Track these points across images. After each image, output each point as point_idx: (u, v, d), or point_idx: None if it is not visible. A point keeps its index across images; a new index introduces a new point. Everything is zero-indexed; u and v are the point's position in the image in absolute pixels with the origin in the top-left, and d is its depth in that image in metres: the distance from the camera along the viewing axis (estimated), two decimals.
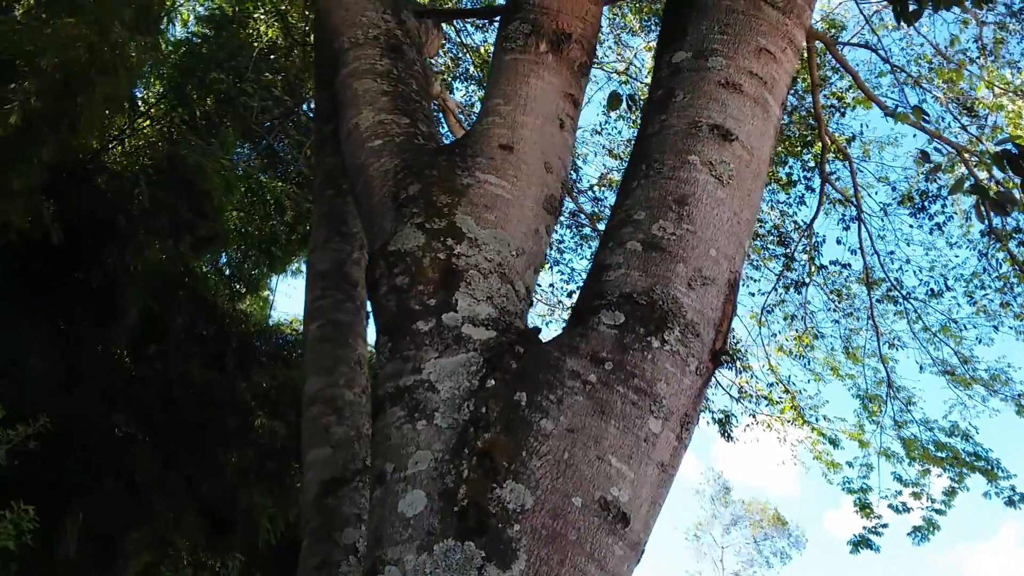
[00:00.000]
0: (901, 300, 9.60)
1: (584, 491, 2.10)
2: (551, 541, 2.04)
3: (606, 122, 10.75)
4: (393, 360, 2.36)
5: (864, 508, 9.87)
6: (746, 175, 2.52)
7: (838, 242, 9.86)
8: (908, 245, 10.04)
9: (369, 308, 3.16)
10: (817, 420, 10.45)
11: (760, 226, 9.79)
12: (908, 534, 9.67)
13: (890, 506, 9.78)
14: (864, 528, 9.79)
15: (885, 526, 9.78)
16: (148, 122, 13.35)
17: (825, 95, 8.90)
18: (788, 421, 10.58)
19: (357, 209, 2.96)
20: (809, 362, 10.43)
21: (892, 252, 9.71)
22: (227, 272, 15.29)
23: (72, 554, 11.59)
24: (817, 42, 7.11)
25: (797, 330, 10.26)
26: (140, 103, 13.64)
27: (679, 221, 2.40)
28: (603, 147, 10.56)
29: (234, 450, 13.04)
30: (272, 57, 10.96)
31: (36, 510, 11.21)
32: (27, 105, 8.20)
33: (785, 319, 10.36)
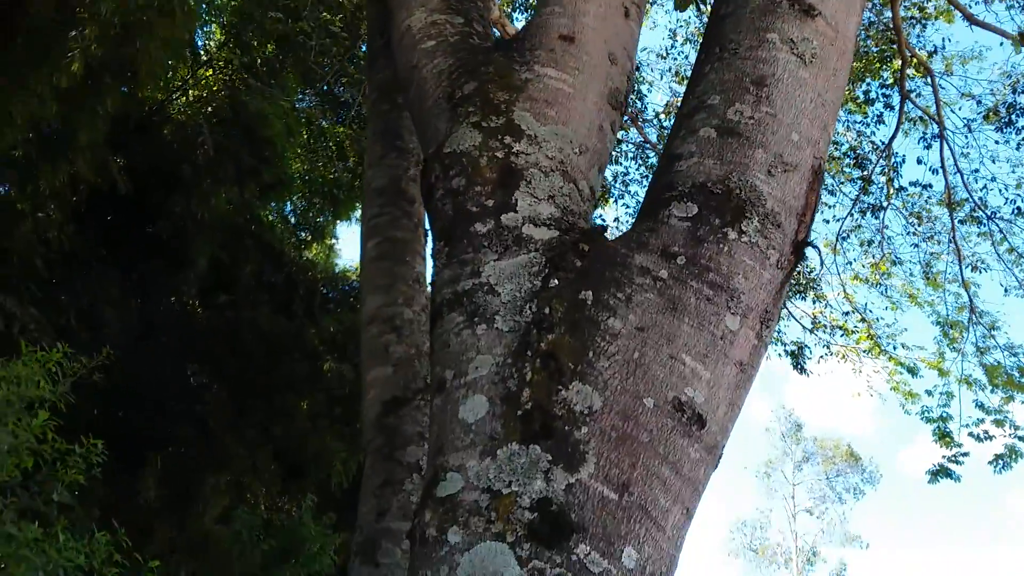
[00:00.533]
0: (985, 220, 9.12)
1: (656, 392, 1.95)
2: (621, 443, 1.90)
3: (672, 46, 10.35)
4: (450, 265, 2.23)
5: (944, 437, 9.53)
6: (830, 53, 2.29)
7: (919, 162, 9.40)
8: (993, 162, 9.54)
9: (427, 224, 3.03)
10: (895, 349, 10.07)
11: (835, 147, 9.38)
12: (989, 463, 9.31)
13: (971, 434, 9.43)
14: (944, 457, 9.47)
15: (966, 454, 9.44)
16: (210, 72, 13.37)
17: (905, 6, 8.40)
18: (864, 351, 10.22)
19: (411, 114, 2.82)
20: (886, 290, 10.03)
21: (976, 170, 9.21)
22: (293, 220, 15.38)
23: (152, 499, 11.94)
24: None
25: (874, 256, 9.85)
26: (201, 52, 13.66)
27: (757, 104, 2.19)
28: (670, 71, 10.16)
29: (304, 395, 13.22)
30: None
31: (117, 457, 11.54)
32: (88, 52, 8.22)
33: (861, 245, 9.96)
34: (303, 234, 15.58)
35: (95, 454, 3.96)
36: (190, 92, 13.53)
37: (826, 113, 2.25)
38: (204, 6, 10.90)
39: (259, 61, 12.32)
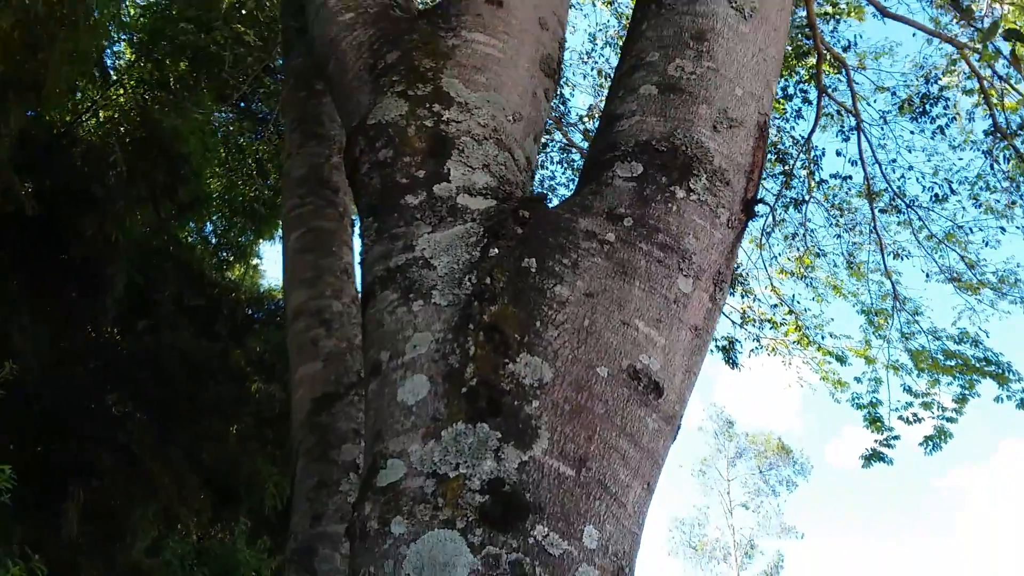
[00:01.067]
0: (904, 209, 9.34)
1: (610, 360, 1.83)
2: (576, 416, 1.77)
3: (593, 49, 10.35)
4: (380, 241, 2.07)
5: (874, 422, 9.69)
6: (770, 8, 2.22)
7: (838, 154, 9.57)
8: (910, 152, 9.73)
9: (355, 213, 2.86)
10: (823, 339, 10.22)
11: None
12: (920, 444, 9.50)
13: (900, 418, 9.60)
14: (876, 442, 9.63)
15: (896, 438, 9.61)
16: (120, 91, 12.94)
17: (819, 3, 8.56)
18: (793, 343, 10.36)
19: (331, 92, 2.66)
20: (812, 282, 10.19)
21: (894, 160, 9.43)
22: (213, 241, 14.95)
23: (76, 534, 11.39)
24: None
25: (798, 249, 10.00)
26: (111, 71, 13.21)
27: (698, 59, 2.10)
28: (592, 71, 10.14)
29: (232, 418, 12.82)
30: (242, 9, 10.54)
31: (37, 491, 10.97)
32: None
33: (785, 240, 10.10)
34: (225, 254, 15.15)
35: (3, 480, 3.64)
36: (100, 112, 13.06)
37: (768, 69, 2.17)
38: (111, 24, 10.49)
39: (172, 78, 11.94)
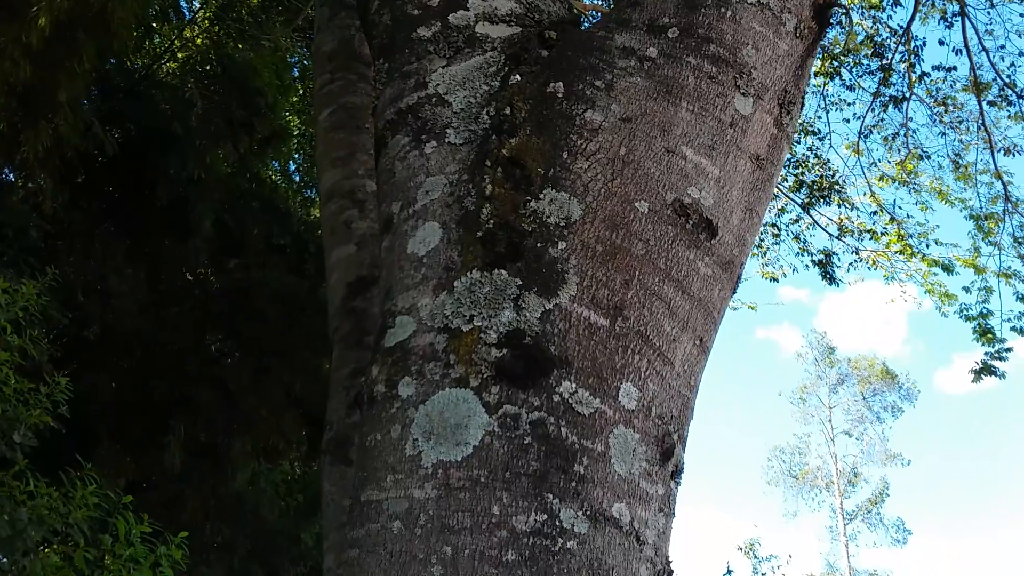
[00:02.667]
0: (1016, 100, 8.50)
1: (651, 193, 1.54)
2: (610, 258, 1.49)
3: None
4: (392, 82, 1.81)
5: (985, 334, 9.02)
6: None
7: (940, 43, 8.74)
8: (1020, 36, 8.81)
9: None
10: (928, 247, 9.51)
11: (851, 38, 8.78)
12: None
13: (1013, 328, 8.91)
14: (986, 354, 8.98)
15: (1009, 350, 8.93)
16: (196, 30, 13.02)
17: None
18: (895, 254, 9.68)
19: None
20: (914, 188, 9.46)
21: (1002, 47, 8.56)
22: (297, 179, 15.05)
23: (179, 466, 11.78)
24: None
25: (899, 152, 9.27)
26: (186, 12, 13.30)
27: None
28: None
29: (324, 353, 12.99)
30: None
31: (142, 428, 11.35)
32: (54, 5, 7.82)
33: (885, 142, 9.37)
34: (309, 193, 15.26)
35: (60, 391, 3.62)
36: (178, 54, 13.18)
37: None
38: None
39: (244, 11, 11.90)
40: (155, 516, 4.10)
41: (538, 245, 1.49)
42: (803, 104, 1.74)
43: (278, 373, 12.49)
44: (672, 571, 1.48)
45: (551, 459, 1.36)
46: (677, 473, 1.53)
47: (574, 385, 1.41)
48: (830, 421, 33.22)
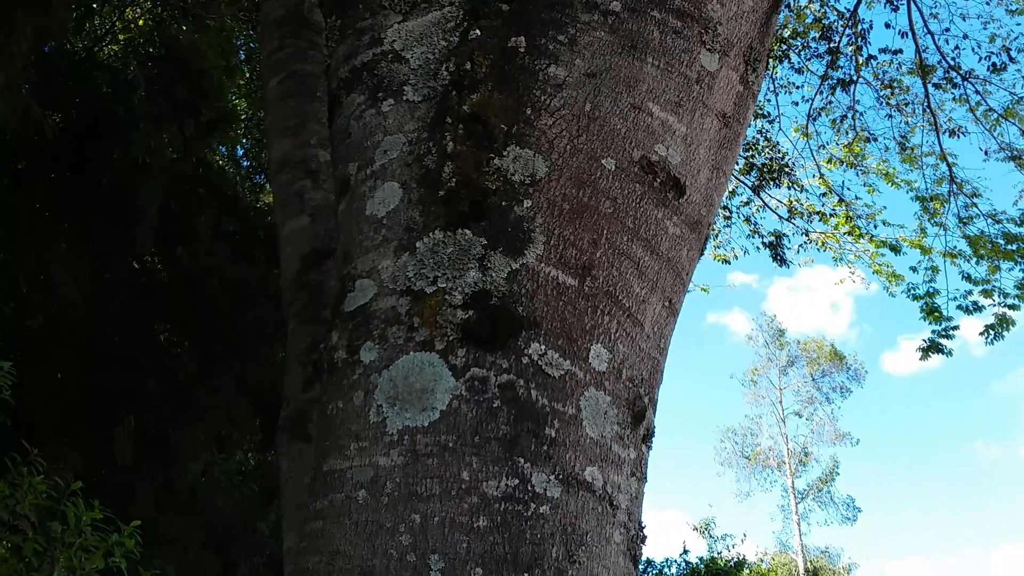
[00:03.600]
0: (960, 82, 8.65)
1: (618, 150, 1.50)
2: (577, 216, 1.45)
3: None
4: (345, 39, 1.74)
5: (932, 312, 9.20)
6: None
7: (887, 26, 8.86)
8: (964, 20, 8.96)
9: None
10: (875, 227, 9.67)
11: (799, 20, 8.86)
12: (981, 334, 9.01)
13: (959, 307, 9.10)
14: (933, 332, 9.16)
15: (956, 327, 9.12)
16: (140, 13, 12.70)
17: None
18: (844, 235, 9.82)
19: None
20: (862, 170, 9.59)
21: (947, 30, 8.70)
22: (245, 164, 14.78)
23: (129, 458, 11.55)
24: None
25: (847, 135, 9.40)
26: None
27: None
28: None
29: (275, 342, 12.81)
30: None
31: (91, 420, 11.08)
32: None
33: (833, 125, 9.49)
34: (258, 179, 15.00)
35: (2, 376, 3.48)
36: (120, 36, 12.84)
37: None
38: None
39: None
40: (104, 522, 3.99)
41: (503, 204, 1.44)
42: (767, 63, 1.71)
43: (229, 362, 12.29)
44: (645, 537, 1.45)
45: (521, 423, 1.32)
46: (648, 437, 1.50)
47: (543, 347, 1.36)
48: (781, 402, 33.81)
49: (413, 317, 1.39)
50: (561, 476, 1.32)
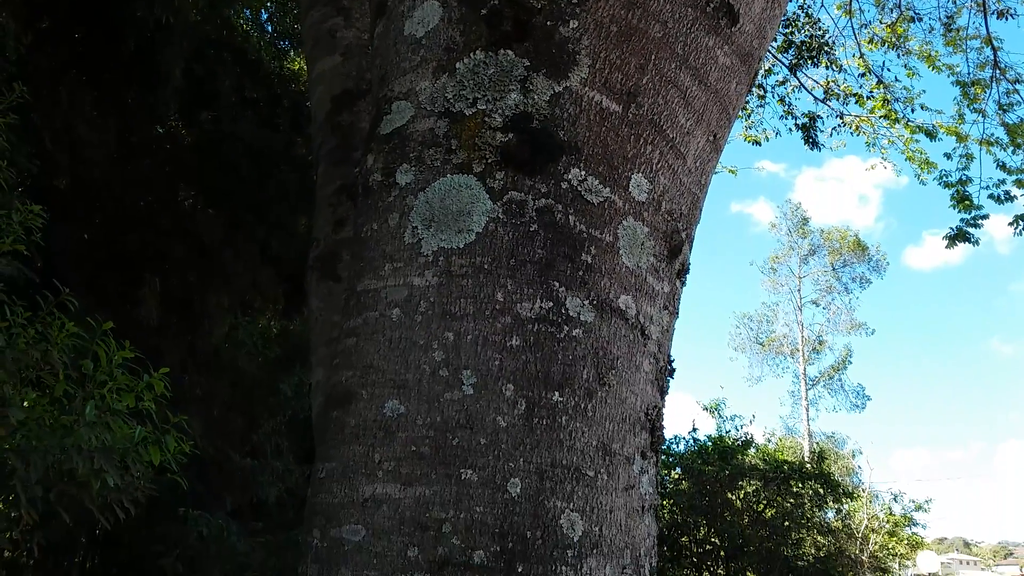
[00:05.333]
0: None
1: None
2: (625, 40, 1.39)
3: None
4: None
5: (963, 200, 9.03)
6: None
7: None
8: None
9: None
10: (912, 111, 9.38)
11: None
12: (1010, 224, 8.88)
13: (991, 196, 8.92)
14: (962, 220, 9.04)
15: (984, 216, 8.98)
16: None
17: None
18: (879, 118, 9.54)
19: None
20: (903, 52, 9.22)
21: None
22: (269, 28, 14.47)
23: (155, 319, 11.77)
24: None
25: (891, 13, 9.00)
26: None
27: None
28: None
29: (299, 209, 12.84)
30: None
31: (116, 281, 11.25)
32: None
33: (877, 3, 9.08)
34: (283, 44, 14.72)
35: (32, 218, 3.51)
36: None
37: None
38: None
39: None
40: (132, 372, 4.07)
41: (547, 23, 1.38)
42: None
43: (252, 229, 12.37)
44: (674, 369, 1.46)
45: (558, 247, 1.30)
46: (683, 272, 1.48)
47: (583, 172, 1.33)
48: (799, 291, 33.81)
49: (451, 139, 1.36)
50: (595, 301, 1.31)
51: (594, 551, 1.21)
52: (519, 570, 1.16)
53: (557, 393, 1.25)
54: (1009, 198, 8.89)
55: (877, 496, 17.29)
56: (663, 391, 1.43)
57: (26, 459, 2.97)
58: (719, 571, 12.18)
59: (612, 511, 1.25)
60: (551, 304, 1.28)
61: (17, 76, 10.69)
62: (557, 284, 1.29)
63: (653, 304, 1.39)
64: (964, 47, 9.07)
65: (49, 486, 3.19)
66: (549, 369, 1.26)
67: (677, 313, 1.48)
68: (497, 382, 1.24)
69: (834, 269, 33.34)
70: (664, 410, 1.42)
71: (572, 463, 1.23)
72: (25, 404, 3.23)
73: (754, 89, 9.79)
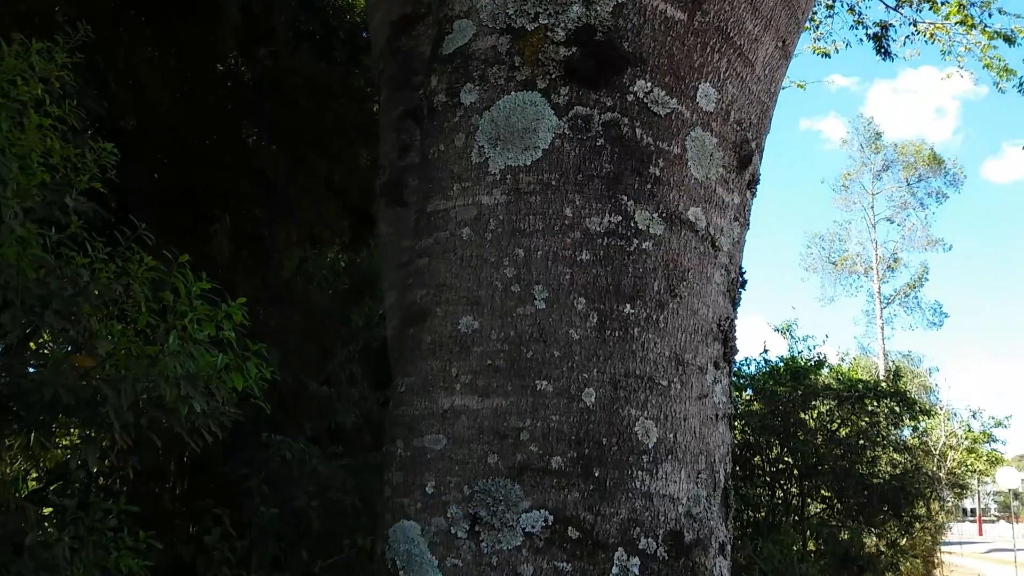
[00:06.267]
0: None
1: None
2: None
3: None
4: None
5: None
6: None
7: None
8: None
9: None
10: (990, 16, 8.91)
11: None
12: None
13: None
14: None
15: None
16: None
17: None
18: (955, 25, 9.09)
19: None
20: None
21: None
22: None
23: (227, 255, 12.06)
24: None
25: None
26: None
27: None
28: None
29: (357, 141, 12.89)
30: None
31: (185, 216, 11.52)
32: None
33: None
34: None
35: (106, 156, 3.60)
36: None
37: None
38: None
39: None
40: (210, 303, 4.21)
41: None
42: None
43: (315, 163, 12.50)
44: (745, 280, 1.46)
45: (625, 161, 1.30)
46: (753, 183, 1.47)
47: (649, 84, 1.32)
48: (872, 208, 32.90)
49: (514, 56, 1.36)
50: (664, 214, 1.31)
51: (669, 457, 1.24)
52: (596, 475, 1.20)
53: (628, 305, 1.27)
54: None
55: (956, 414, 17.05)
56: (735, 302, 1.43)
57: (116, 388, 3.11)
58: (792, 489, 12.22)
59: (686, 419, 1.28)
60: (620, 218, 1.29)
61: (78, 16, 10.87)
62: (625, 198, 1.30)
63: (723, 215, 1.39)
64: None
65: (139, 413, 3.35)
66: (620, 282, 1.27)
67: (748, 224, 1.47)
68: (568, 296, 1.26)
69: (909, 184, 32.30)
70: (736, 321, 1.43)
71: (645, 373, 1.26)
72: (110, 337, 3.38)
73: None
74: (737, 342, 1.42)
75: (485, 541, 1.19)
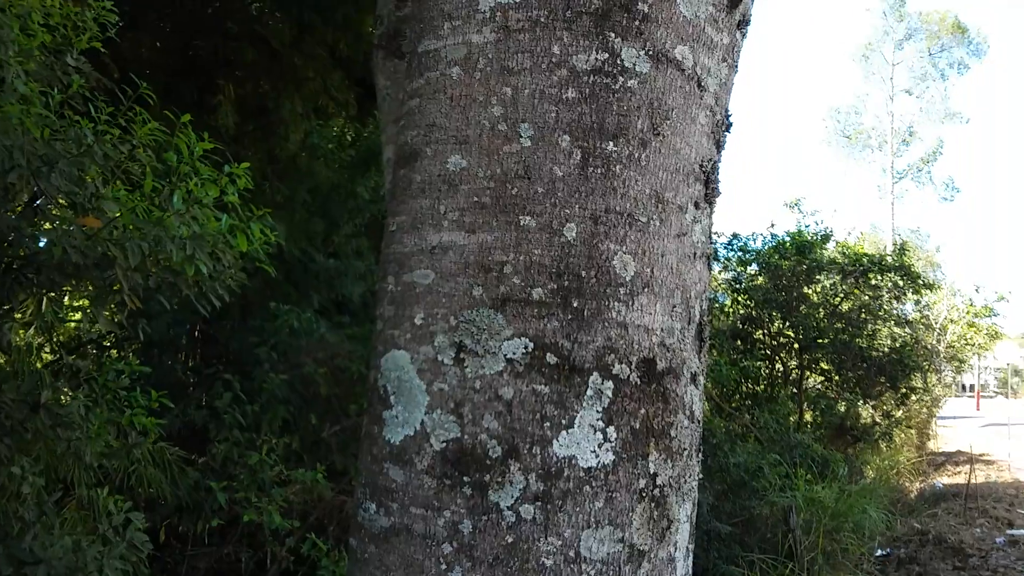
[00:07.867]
0: None
1: None
2: None
3: None
4: None
5: None
6: None
7: None
8: None
9: None
10: None
11: None
12: None
13: None
14: None
15: None
16: None
17: None
18: None
19: None
20: None
21: None
22: None
23: (232, 126, 11.94)
24: None
25: None
26: None
27: None
28: None
29: (363, 6, 12.56)
30: None
31: (190, 85, 11.34)
32: None
33: None
34: None
35: (106, 13, 3.53)
36: None
37: None
38: None
39: None
40: (216, 166, 4.20)
41: None
42: None
43: (320, 32, 12.21)
44: (731, 124, 1.47)
45: None
46: (744, 23, 1.46)
47: None
48: (892, 79, 32.09)
49: None
50: (651, 52, 1.31)
51: (645, 290, 1.29)
52: (574, 305, 1.25)
53: (611, 143, 1.29)
54: None
55: (958, 292, 17.13)
56: (720, 145, 1.45)
57: (123, 248, 3.17)
58: (791, 362, 12.45)
59: (664, 255, 1.32)
60: (606, 55, 1.29)
61: None
62: (613, 35, 1.30)
63: (711, 55, 1.39)
64: None
65: (147, 275, 3.42)
66: (604, 120, 1.29)
67: (736, 66, 1.47)
68: (553, 133, 1.28)
69: (931, 55, 31.36)
70: (720, 163, 1.45)
71: (625, 209, 1.29)
72: (116, 200, 3.40)
73: None
74: (720, 184, 1.44)
75: (469, 367, 1.26)
